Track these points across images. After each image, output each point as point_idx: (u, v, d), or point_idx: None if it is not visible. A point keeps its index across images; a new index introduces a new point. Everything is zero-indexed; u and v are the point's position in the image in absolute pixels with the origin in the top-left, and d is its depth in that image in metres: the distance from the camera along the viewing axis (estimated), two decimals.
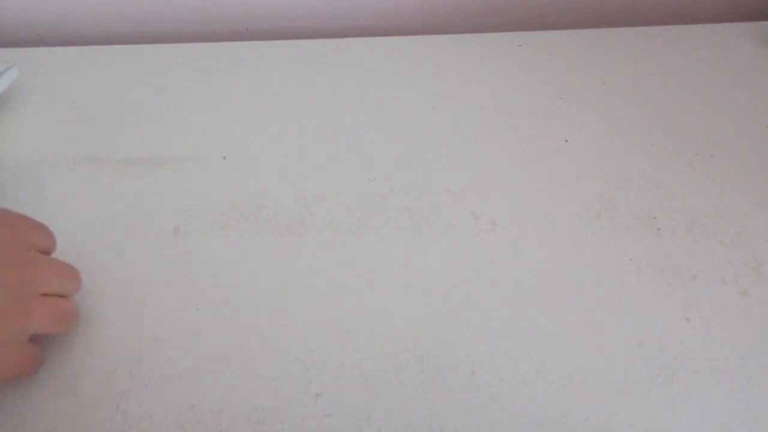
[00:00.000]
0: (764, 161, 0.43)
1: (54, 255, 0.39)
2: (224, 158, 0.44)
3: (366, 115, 0.47)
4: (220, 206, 0.41)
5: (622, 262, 0.38)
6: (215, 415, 0.32)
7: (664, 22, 0.57)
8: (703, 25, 0.56)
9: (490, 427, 0.31)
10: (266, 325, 0.35)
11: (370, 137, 0.46)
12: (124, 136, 0.52)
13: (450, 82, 0.50)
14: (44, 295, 0.30)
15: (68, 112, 0.54)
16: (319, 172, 0.43)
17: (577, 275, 0.37)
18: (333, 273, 0.37)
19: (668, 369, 0.33)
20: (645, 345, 0.34)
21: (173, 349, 0.34)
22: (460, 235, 0.39)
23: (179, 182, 0.43)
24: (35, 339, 0.31)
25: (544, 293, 0.36)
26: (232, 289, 0.37)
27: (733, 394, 0.32)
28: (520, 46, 0.54)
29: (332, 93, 0.49)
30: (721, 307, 0.35)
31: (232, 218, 0.40)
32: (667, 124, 0.46)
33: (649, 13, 0.60)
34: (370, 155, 0.44)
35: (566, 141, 0.45)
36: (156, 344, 0.34)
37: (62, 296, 0.32)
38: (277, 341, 0.34)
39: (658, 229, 0.39)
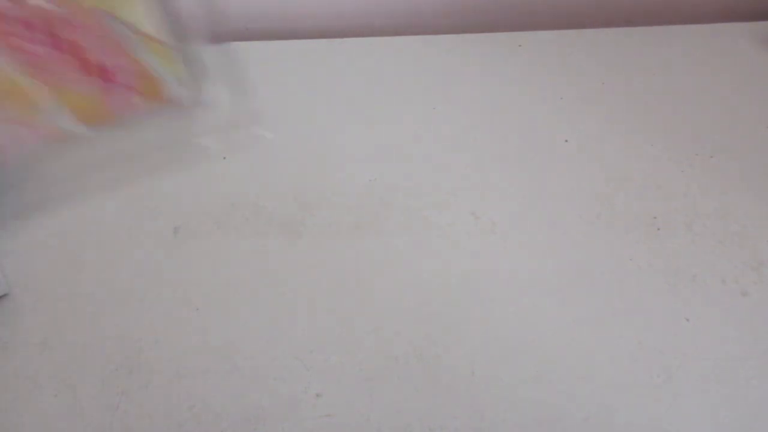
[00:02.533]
0: (764, 161, 0.43)
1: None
2: (224, 158, 0.44)
3: (366, 115, 0.47)
4: (220, 206, 0.41)
5: (622, 262, 0.38)
6: (215, 415, 0.31)
7: (664, 22, 0.57)
8: (703, 25, 0.56)
9: (490, 426, 0.31)
10: (266, 325, 0.35)
11: (370, 137, 0.46)
12: None
13: (450, 82, 0.50)
14: None
15: None
16: (319, 172, 0.43)
17: (577, 275, 0.37)
18: (333, 273, 0.37)
19: (668, 369, 0.33)
20: (645, 345, 0.34)
21: (173, 349, 0.34)
22: (460, 235, 0.39)
23: (179, 182, 0.43)
24: None
25: (545, 293, 0.36)
26: (232, 289, 0.37)
27: (733, 394, 0.32)
28: (520, 46, 0.54)
29: (332, 93, 0.49)
30: (721, 307, 0.35)
31: (232, 218, 0.40)
32: (667, 124, 0.46)
33: (649, 13, 0.60)
34: (370, 155, 0.44)
35: (566, 141, 0.45)
36: (156, 344, 0.34)
37: None
38: (277, 341, 0.34)
39: (658, 229, 0.39)
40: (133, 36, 0.18)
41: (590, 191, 0.41)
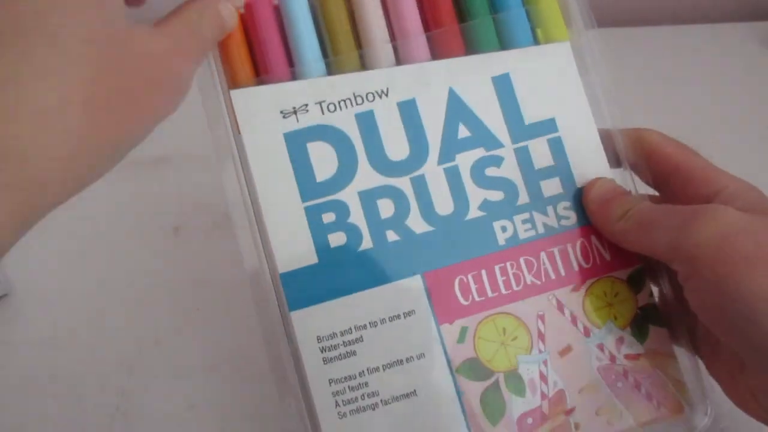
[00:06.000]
0: (764, 161, 0.43)
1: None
2: None
3: None
4: (220, 206, 0.41)
5: None
6: (215, 415, 0.32)
7: (665, 22, 0.57)
8: (703, 25, 0.56)
9: None
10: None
11: None
12: None
13: None
14: None
15: None
16: None
17: None
18: None
19: None
20: None
21: (173, 349, 0.34)
22: None
23: (179, 182, 0.43)
24: None
25: None
26: (232, 289, 0.37)
27: None
28: None
29: None
30: None
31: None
32: (666, 124, 0.46)
33: (650, 13, 0.60)
34: None
35: None
36: (156, 344, 0.34)
37: None
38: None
39: None
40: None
41: None
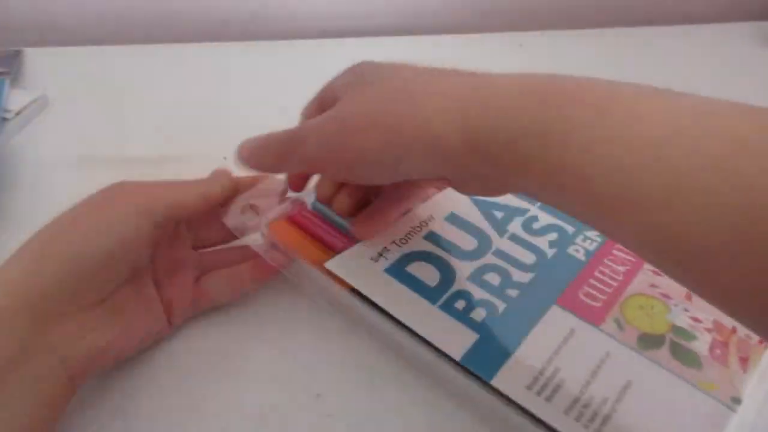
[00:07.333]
0: None
1: None
2: (224, 158, 0.44)
3: None
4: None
5: None
6: (215, 414, 0.31)
7: (665, 22, 0.57)
8: (703, 25, 0.56)
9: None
10: (267, 325, 0.35)
11: None
12: (124, 135, 0.52)
13: None
14: None
15: (68, 111, 0.54)
16: None
17: None
18: None
19: None
20: None
21: (173, 349, 0.34)
22: None
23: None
24: None
25: None
26: None
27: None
28: (520, 46, 0.54)
29: None
30: None
31: None
32: None
33: (650, 13, 0.60)
34: None
35: None
36: (156, 344, 0.34)
37: None
38: (277, 341, 0.34)
39: None
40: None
41: None
